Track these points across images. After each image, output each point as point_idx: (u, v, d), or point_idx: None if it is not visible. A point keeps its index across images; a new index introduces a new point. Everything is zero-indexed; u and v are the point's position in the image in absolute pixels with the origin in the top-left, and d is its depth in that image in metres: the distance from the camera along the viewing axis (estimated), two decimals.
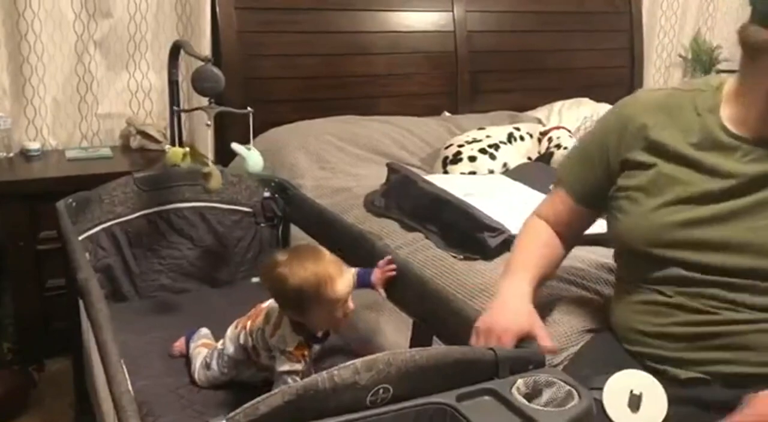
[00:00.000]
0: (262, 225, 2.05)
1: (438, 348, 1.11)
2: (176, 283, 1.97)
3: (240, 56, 2.77)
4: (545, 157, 2.71)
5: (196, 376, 1.51)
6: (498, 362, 1.06)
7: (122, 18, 2.69)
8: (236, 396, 1.46)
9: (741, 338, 1.16)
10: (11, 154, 2.53)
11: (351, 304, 1.35)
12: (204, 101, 1.78)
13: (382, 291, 1.46)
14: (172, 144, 2.00)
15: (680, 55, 3.81)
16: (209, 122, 1.70)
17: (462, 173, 2.58)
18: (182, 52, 1.95)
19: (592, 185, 1.36)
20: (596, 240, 1.83)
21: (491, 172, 2.60)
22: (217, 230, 2.00)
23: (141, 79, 2.78)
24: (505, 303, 1.24)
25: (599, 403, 1.12)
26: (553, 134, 2.78)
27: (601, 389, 1.15)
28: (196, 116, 2.78)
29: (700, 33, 3.82)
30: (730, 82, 1.25)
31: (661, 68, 3.82)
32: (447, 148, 2.70)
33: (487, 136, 2.72)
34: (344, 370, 0.92)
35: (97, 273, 1.67)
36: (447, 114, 3.18)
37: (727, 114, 1.22)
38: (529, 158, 2.76)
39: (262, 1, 2.82)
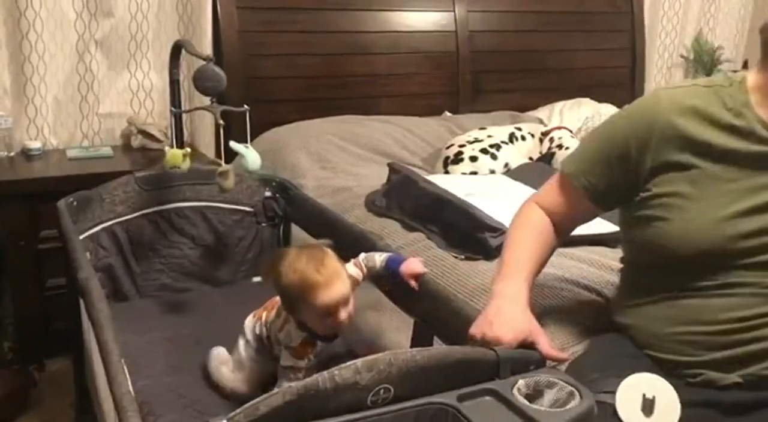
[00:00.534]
0: (263, 224, 2.04)
1: (439, 349, 1.10)
2: (177, 283, 1.97)
3: (241, 55, 2.77)
4: (547, 157, 2.71)
5: (228, 379, 1.48)
6: (499, 362, 1.06)
7: (123, 17, 2.69)
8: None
9: None
10: (12, 153, 2.53)
11: (346, 311, 1.32)
12: (206, 100, 1.78)
13: (413, 281, 1.43)
14: (173, 145, 1.99)
15: (682, 56, 3.81)
16: (221, 121, 1.71)
17: (463, 173, 2.57)
18: (183, 51, 1.95)
19: (608, 186, 1.29)
20: (598, 241, 1.83)
21: (492, 172, 2.60)
22: (218, 229, 2.00)
23: (142, 79, 2.78)
24: (499, 308, 1.20)
25: (611, 407, 1.11)
26: (555, 134, 2.78)
27: (612, 392, 1.12)
28: (197, 116, 2.78)
29: (702, 33, 3.82)
30: (753, 78, 1.21)
31: (663, 68, 3.82)
32: (448, 147, 2.70)
33: (489, 136, 2.72)
34: (345, 370, 0.92)
35: (97, 273, 1.66)
36: (448, 114, 3.18)
37: (762, 109, 1.19)
38: (531, 158, 2.76)
39: (263, 1, 2.82)
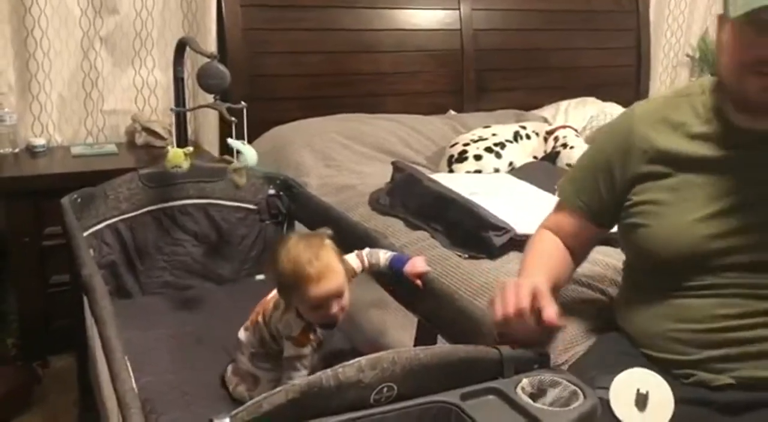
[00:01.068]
0: (267, 222, 2.04)
1: (442, 347, 1.10)
2: (180, 280, 1.97)
3: (245, 53, 2.77)
4: (551, 156, 2.71)
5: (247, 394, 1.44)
6: (503, 361, 1.05)
7: (128, 14, 2.69)
8: None
9: None
10: (17, 150, 2.53)
11: (339, 305, 1.32)
12: (210, 98, 1.78)
13: (417, 281, 1.43)
14: (175, 144, 1.99)
15: (687, 55, 3.80)
16: (233, 118, 1.73)
17: (467, 172, 2.57)
18: (188, 48, 1.95)
19: (600, 202, 1.34)
20: (602, 240, 1.83)
21: (497, 170, 2.59)
22: (222, 227, 2.00)
23: (146, 76, 2.78)
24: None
25: (605, 402, 1.12)
26: (560, 133, 2.77)
27: (606, 388, 1.13)
28: (201, 114, 2.78)
29: (708, 32, 3.81)
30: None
31: (668, 67, 3.80)
32: (452, 146, 2.69)
33: (493, 135, 2.71)
34: (348, 368, 0.92)
35: (101, 270, 1.67)
36: (453, 112, 3.17)
37: (734, 112, 1.23)
38: (535, 157, 2.75)
39: None
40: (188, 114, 2.16)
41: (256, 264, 2.04)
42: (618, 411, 1.12)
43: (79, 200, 1.78)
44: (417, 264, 1.42)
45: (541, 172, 2.50)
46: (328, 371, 0.91)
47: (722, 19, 1.21)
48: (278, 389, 0.89)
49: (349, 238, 1.67)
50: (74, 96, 2.69)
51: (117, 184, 1.87)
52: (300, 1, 2.86)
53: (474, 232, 1.82)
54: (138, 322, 1.72)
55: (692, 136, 1.25)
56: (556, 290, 1.33)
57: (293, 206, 2.05)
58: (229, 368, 1.49)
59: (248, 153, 1.75)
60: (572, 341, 1.42)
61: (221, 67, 1.72)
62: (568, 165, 2.61)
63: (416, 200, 2.06)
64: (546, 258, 1.35)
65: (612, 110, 3.15)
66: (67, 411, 2.10)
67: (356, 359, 0.93)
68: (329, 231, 1.39)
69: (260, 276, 2.03)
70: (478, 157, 2.60)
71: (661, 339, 1.25)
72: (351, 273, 1.41)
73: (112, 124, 2.77)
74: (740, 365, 1.18)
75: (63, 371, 2.29)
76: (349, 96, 2.98)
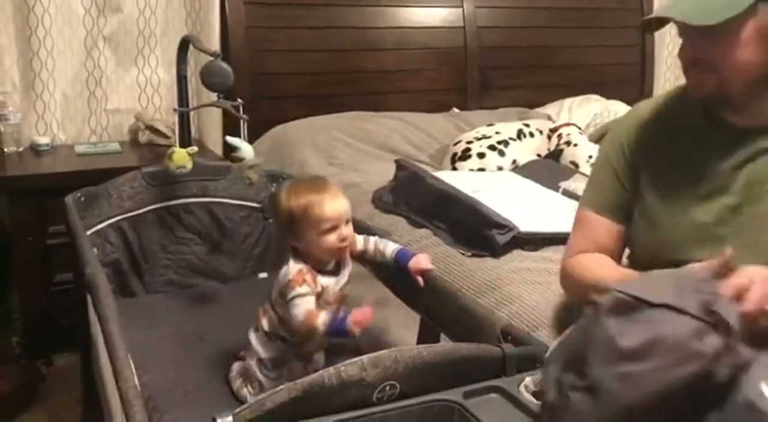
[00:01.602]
0: (270, 220, 2.04)
1: (445, 345, 1.10)
2: (184, 279, 1.97)
3: (248, 51, 2.77)
4: (555, 154, 2.70)
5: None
6: (505, 359, 1.05)
7: (131, 13, 2.69)
8: None
9: None
10: (21, 149, 2.53)
11: (347, 231, 1.34)
12: (213, 96, 1.78)
13: (419, 278, 1.43)
14: (178, 144, 1.98)
15: None
16: (244, 116, 1.74)
17: (471, 170, 2.57)
18: (191, 47, 1.95)
19: (613, 198, 1.33)
20: None
21: (500, 168, 2.59)
22: (225, 225, 2.00)
23: (150, 75, 2.78)
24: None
25: None
26: (563, 131, 2.77)
27: None
28: (204, 112, 2.78)
29: None
30: None
31: (673, 65, 3.79)
32: (456, 144, 2.69)
33: (497, 133, 2.71)
34: (351, 367, 0.92)
35: (104, 268, 1.67)
36: (456, 110, 3.17)
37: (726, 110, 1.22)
38: (539, 155, 2.75)
39: None
40: (192, 113, 2.16)
41: (259, 262, 2.04)
42: None
43: (82, 199, 1.78)
44: (421, 261, 1.42)
45: (544, 169, 2.49)
46: (331, 369, 0.91)
47: None
48: (280, 387, 0.90)
49: None
50: (78, 95, 2.69)
51: (120, 182, 1.87)
52: None
53: (477, 230, 1.82)
54: (141, 320, 1.72)
55: (681, 133, 1.25)
56: None
57: None
58: (235, 367, 1.48)
59: (246, 149, 1.76)
60: None
61: (224, 65, 1.72)
62: (572, 162, 2.61)
63: (419, 198, 2.05)
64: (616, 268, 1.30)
65: (616, 108, 3.14)
66: (70, 409, 2.10)
67: (359, 357, 0.93)
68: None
69: (264, 275, 2.03)
70: (481, 155, 2.59)
71: None
72: (353, 247, 1.43)
73: (116, 123, 2.77)
74: None
75: (66, 369, 2.29)
76: (352, 94, 2.97)
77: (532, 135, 2.78)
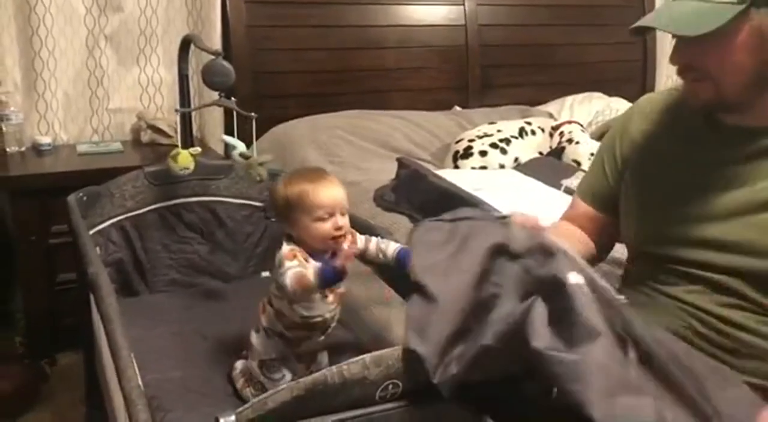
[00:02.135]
0: (273, 219, 2.04)
1: None
2: (186, 278, 1.97)
3: (249, 50, 2.77)
4: (557, 152, 2.70)
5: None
6: None
7: (133, 12, 2.70)
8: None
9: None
10: (23, 149, 2.54)
11: (343, 220, 1.33)
12: (215, 95, 1.78)
13: None
14: (180, 145, 1.98)
15: None
16: (253, 114, 1.74)
17: (473, 168, 2.57)
18: (192, 46, 1.95)
19: (604, 187, 1.37)
20: None
21: (502, 166, 2.59)
22: (227, 225, 2.00)
23: (151, 74, 2.78)
24: None
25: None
26: (565, 128, 2.77)
27: None
28: (206, 111, 2.78)
29: None
30: None
31: None
32: (458, 142, 2.69)
33: (498, 131, 2.71)
34: (354, 365, 0.92)
35: (107, 268, 1.67)
36: (458, 108, 3.17)
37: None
38: (541, 153, 2.75)
39: None
40: (193, 112, 2.16)
41: (262, 261, 2.04)
42: None
43: (85, 198, 1.78)
44: None
45: (546, 167, 2.50)
46: (333, 368, 0.91)
47: None
48: (283, 386, 0.89)
49: None
50: (79, 94, 2.69)
51: (122, 181, 1.87)
52: None
53: None
54: (144, 320, 1.72)
55: (677, 129, 1.25)
56: None
57: None
58: (238, 365, 1.48)
59: (241, 148, 1.78)
60: None
61: (226, 64, 1.72)
62: (574, 160, 2.61)
63: (421, 196, 2.05)
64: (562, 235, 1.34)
65: (618, 105, 3.14)
66: (74, 409, 2.10)
67: (361, 356, 0.93)
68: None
69: (266, 273, 2.02)
70: (483, 153, 2.59)
71: None
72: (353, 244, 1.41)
73: (118, 122, 2.78)
74: None
75: (70, 368, 2.29)
76: (354, 92, 2.97)
77: (533, 133, 2.78)
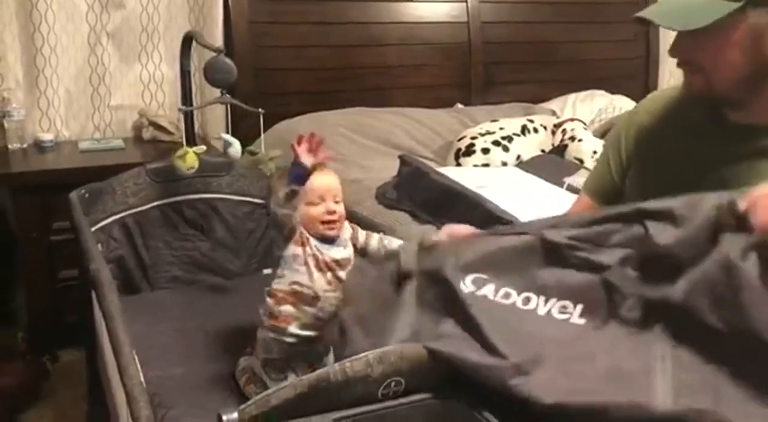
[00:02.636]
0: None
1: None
2: (188, 275, 1.97)
3: (251, 47, 2.77)
4: (559, 149, 2.69)
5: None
6: None
7: (134, 9, 2.69)
8: None
9: None
10: (25, 145, 2.54)
11: (336, 206, 1.37)
12: (217, 92, 1.78)
13: None
14: (185, 143, 1.98)
15: None
16: (261, 110, 1.76)
17: (475, 165, 2.56)
18: (194, 43, 1.95)
19: (608, 182, 1.38)
20: None
21: (505, 164, 2.58)
22: (229, 222, 2.00)
23: (153, 71, 2.78)
24: None
25: None
26: (567, 126, 2.76)
27: None
28: (208, 108, 2.78)
29: None
30: None
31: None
32: (460, 140, 2.68)
33: (501, 128, 2.70)
34: (356, 363, 0.92)
35: (109, 265, 1.67)
36: (460, 106, 3.16)
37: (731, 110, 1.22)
38: (543, 150, 2.74)
39: None
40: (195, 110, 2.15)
41: (263, 258, 2.04)
42: None
43: (86, 195, 1.78)
44: None
45: (549, 165, 2.49)
46: (336, 365, 0.91)
47: None
48: (286, 384, 0.90)
49: None
50: (81, 91, 2.69)
51: (124, 178, 1.87)
52: None
53: (481, 226, 1.81)
54: (146, 316, 1.72)
55: (682, 126, 1.26)
56: None
57: None
58: (241, 362, 1.48)
59: (237, 146, 1.80)
60: None
61: (228, 61, 1.72)
62: (577, 158, 2.60)
63: (423, 194, 2.05)
64: None
65: (621, 103, 3.13)
66: (76, 405, 2.10)
67: (364, 353, 0.93)
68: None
69: (267, 271, 2.02)
70: (485, 151, 2.59)
71: None
72: (353, 239, 1.43)
73: (119, 119, 2.78)
74: None
75: (72, 365, 2.29)
76: (355, 90, 2.97)
77: (536, 130, 2.78)
